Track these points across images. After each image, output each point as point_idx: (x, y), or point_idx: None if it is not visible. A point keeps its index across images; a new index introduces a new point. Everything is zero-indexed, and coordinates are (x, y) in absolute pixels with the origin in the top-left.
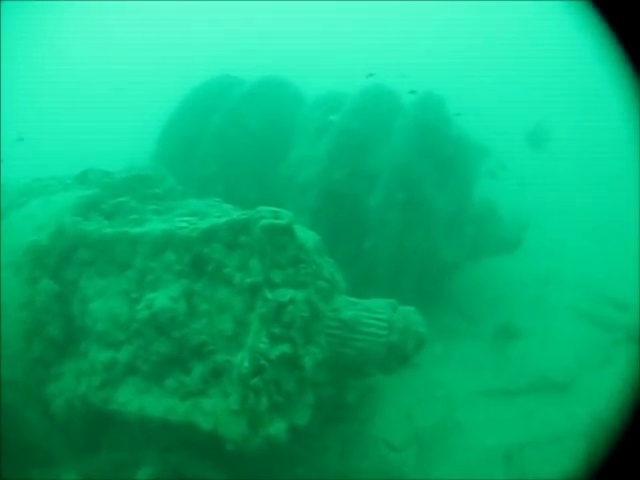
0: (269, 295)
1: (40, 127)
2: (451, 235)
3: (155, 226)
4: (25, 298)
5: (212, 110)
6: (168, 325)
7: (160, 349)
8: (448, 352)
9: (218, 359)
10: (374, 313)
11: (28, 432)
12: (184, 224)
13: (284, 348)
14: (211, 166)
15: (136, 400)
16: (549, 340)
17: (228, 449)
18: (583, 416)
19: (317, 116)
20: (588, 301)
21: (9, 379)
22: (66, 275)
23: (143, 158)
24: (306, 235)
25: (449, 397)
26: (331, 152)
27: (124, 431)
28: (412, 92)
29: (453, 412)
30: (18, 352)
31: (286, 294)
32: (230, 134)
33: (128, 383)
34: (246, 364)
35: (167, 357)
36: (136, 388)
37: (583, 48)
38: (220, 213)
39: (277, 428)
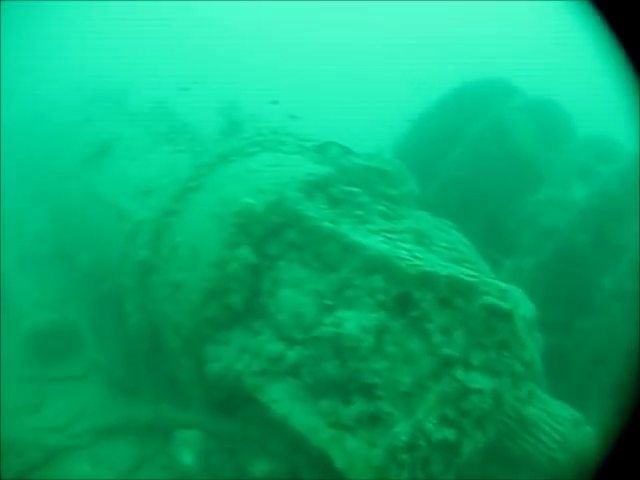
0: (459, 376)
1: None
2: None
3: (375, 243)
4: (219, 259)
5: (476, 114)
6: (348, 352)
7: (329, 370)
8: None
9: (382, 407)
10: (554, 422)
11: (174, 372)
12: (405, 254)
13: (449, 434)
14: (456, 173)
15: (286, 403)
16: None
17: None
18: None
19: (583, 158)
20: None
21: (176, 322)
22: (268, 249)
23: (388, 143)
24: (524, 308)
25: None
26: (582, 210)
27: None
28: None
29: None
30: (193, 304)
31: (477, 381)
32: (487, 146)
33: (286, 383)
34: (404, 438)
35: (333, 380)
36: (291, 392)
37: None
38: (447, 244)
39: None
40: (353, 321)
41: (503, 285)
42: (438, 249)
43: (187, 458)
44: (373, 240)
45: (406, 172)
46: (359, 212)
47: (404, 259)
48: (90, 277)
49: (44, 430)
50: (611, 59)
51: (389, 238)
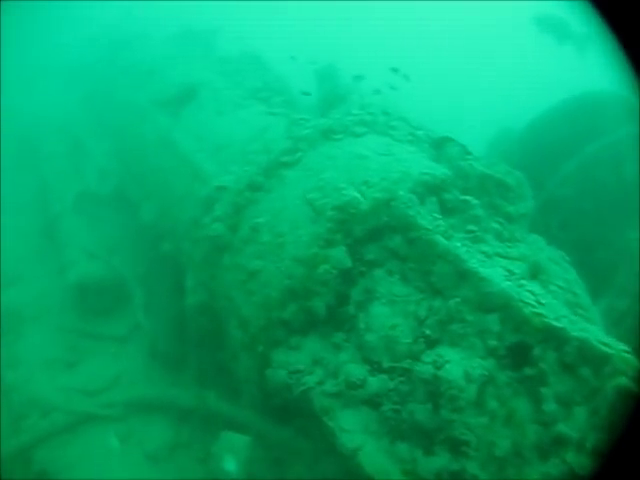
0: (570, 458)
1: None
2: None
3: (498, 277)
4: (309, 256)
5: (595, 132)
6: (444, 400)
7: (416, 412)
8: None
9: (468, 468)
10: None
11: (229, 363)
12: (530, 297)
13: None
14: (563, 191)
15: (358, 436)
16: None
17: None
18: None
19: None
20: None
21: (244, 314)
22: (366, 253)
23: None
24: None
25: None
26: None
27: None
28: None
29: None
30: (268, 301)
31: (584, 467)
32: (601, 169)
33: (361, 413)
34: None
35: (418, 424)
36: (366, 424)
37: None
38: (563, 283)
39: None
40: (458, 365)
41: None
42: (554, 288)
43: (230, 464)
44: (495, 272)
45: (527, 188)
46: (472, 227)
47: (528, 304)
48: (150, 232)
49: (75, 392)
50: (611, 59)
51: (510, 272)
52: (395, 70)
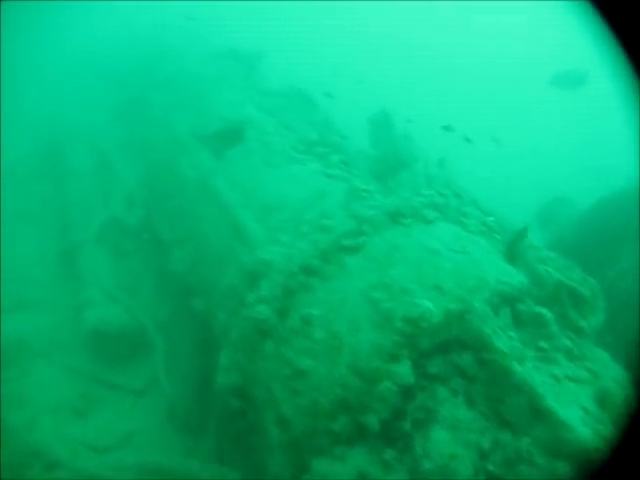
0: None
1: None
2: None
3: (576, 419)
4: (368, 369)
5: None
6: None
7: None
8: None
9: None
10: None
11: (261, 455)
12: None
13: None
14: (619, 284)
15: None
16: None
17: None
18: None
19: None
20: None
21: (285, 414)
22: (430, 367)
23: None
24: None
25: None
26: None
27: None
28: None
29: None
30: (316, 408)
31: None
32: None
33: None
34: None
35: None
36: None
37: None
38: None
39: None
40: None
41: None
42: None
43: None
44: (572, 414)
45: (601, 298)
46: (544, 344)
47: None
48: (180, 283)
49: (82, 445)
50: (611, 59)
51: (586, 411)
52: (448, 128)
